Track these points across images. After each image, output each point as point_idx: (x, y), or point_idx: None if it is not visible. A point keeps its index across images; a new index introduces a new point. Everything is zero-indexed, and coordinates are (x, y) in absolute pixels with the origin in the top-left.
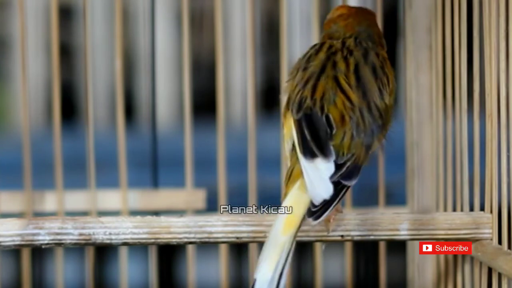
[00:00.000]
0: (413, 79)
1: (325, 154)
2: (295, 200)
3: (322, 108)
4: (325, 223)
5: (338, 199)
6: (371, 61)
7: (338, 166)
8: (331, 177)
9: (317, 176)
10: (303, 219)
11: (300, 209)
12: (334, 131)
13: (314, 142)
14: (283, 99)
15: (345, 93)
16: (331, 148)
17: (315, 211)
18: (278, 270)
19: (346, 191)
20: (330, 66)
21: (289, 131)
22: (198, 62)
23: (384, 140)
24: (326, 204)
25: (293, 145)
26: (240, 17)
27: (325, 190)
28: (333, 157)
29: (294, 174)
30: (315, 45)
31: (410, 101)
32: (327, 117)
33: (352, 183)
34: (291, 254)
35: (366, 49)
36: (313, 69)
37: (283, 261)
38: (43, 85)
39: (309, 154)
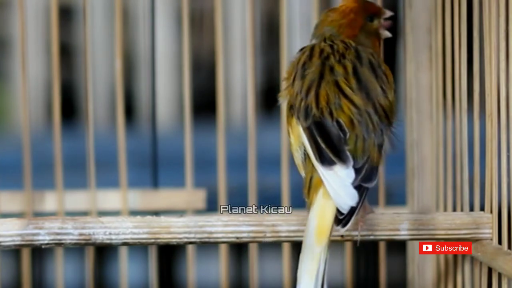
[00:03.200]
0: (413, 79)
1: (343, 160)
2: (322, 209)
3: (331, 114)
4: (354, 226)
5: (361, 202)
6: (368, 61)
7: (356, 171)
8: (353, 182)
9: (339, 184)
10: (333, 226)
11: (329, 217)
12: (347, 136)
13: (329, 149)
14: (283, 105)
15: (348, 97)
16: (348, 153)
17: (342, 218)
18: (319, 280)
19: (366, 193)
20: (328, 71)
21: (297, 139)
22: (198, 62)
23: (392, 136)
24: (352, 210)
25: (305, 153)
26: (240, 17)
27: (350, 197)
28: (351, 163)
29: (315, 183)
30: (303, 49)
31: (410, 101)
32: (338, 122)
33: (372, 184)
34: (327, 262)
35: (356, 49)
36: (312, 76)
37: (322, 270)
38: (43, 85)
39: (327, 162)
